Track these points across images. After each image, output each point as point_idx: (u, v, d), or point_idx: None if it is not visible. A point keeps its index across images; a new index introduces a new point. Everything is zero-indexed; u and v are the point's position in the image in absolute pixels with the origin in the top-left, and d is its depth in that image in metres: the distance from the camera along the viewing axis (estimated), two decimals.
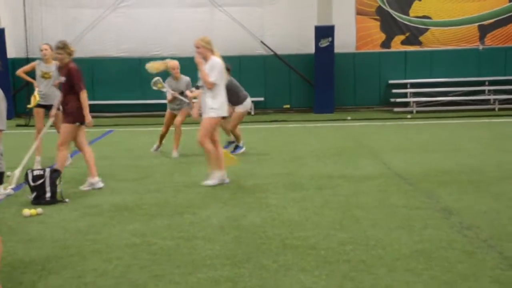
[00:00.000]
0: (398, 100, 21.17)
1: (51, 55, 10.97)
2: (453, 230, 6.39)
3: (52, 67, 11.12)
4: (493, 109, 20.74)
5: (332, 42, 20.86)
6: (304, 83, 21.72)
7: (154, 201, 8.19)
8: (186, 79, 12.46)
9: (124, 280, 5.16)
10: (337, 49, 21.06)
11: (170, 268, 5.43)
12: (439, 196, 8.02)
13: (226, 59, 19.02)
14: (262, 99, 21.34)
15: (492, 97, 21.07)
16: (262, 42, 21.50)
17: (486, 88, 21.31)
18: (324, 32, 20.91)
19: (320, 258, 5.61)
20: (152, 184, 9.42)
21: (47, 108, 10.95)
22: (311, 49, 21.26)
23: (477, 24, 21.84)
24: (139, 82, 20.90)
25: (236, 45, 21.31)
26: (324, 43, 20.97)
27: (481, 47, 21.77)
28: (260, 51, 21.66)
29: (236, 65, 21.60)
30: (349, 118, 19.28)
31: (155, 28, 21.92)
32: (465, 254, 5.60)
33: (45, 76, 11.16)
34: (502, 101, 20.95)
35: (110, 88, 21.61)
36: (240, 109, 12.26)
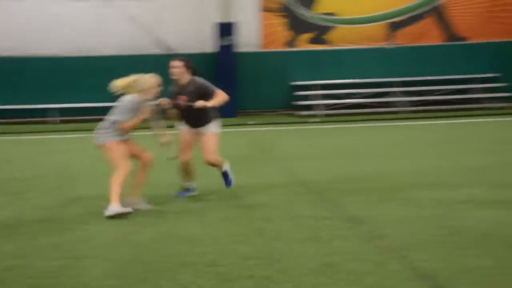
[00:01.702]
0: (304, 102, 21.48)
1: None
2: (362, 241, 6.55)
3: None
4: (403, 112, 21.33)
5: (234, 40, 21.00)
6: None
7: (38, 217, 7.99)
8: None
9: None
10: (240, 48, 21.20)
11: None
12: (346, 205, 8.18)
13: (116, 58, 18.83)
14: (158, 102, 21.19)
15: (401, 98, 21.69)
16: (157, 39, 21.36)
17: (395, 89, 21.94)
18: (226, 30, 21.03)
19: (220, 275, 5.63)
20: (36, 198, 9.20)
21: None
22: (211, 48, 21.32)
23: (386, 21, 22.44)
24: (20, 85, 20.34)
25: (127, 43, 21.14)
26: (225, 41, 21.08)
27: (389, 45, 22.41)
28: (155, 49, 21.53)
29: (127, 65, 21.37)
30: (251, 122, 19.43)
31: (37, 23, 21.38)
32: (375, 265, 5.73)
33: None
34: (412, 103, 21.61)
35: None
36: (215, 129, 9.23)
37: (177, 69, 9.28)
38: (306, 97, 21.72)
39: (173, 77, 9.32)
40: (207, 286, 5.38)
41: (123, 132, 8.39)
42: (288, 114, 21.49)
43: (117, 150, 8.21)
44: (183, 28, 21.63)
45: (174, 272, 5.76)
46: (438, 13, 22.52)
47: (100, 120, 8.57)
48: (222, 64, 20.95)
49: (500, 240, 6.40)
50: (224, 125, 18.81)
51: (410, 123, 18.59)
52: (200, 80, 9.20)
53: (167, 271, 5.82)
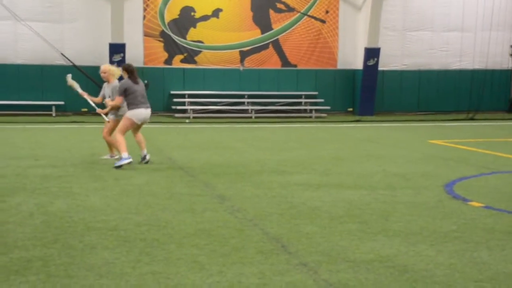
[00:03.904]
0: (179, 107, 21.34)
1: None
2: (226, 212, 6.59)
3: None
4: (251, 117, 21.68)
5: (123, 57, 20.48)
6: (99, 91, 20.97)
7: None
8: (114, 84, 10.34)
9: None
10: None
11: None
12: (214, 185, 8.20)
13: (29, 67, 17.76)
14: (62, 102, 20.39)
15: (250, 107, 22.05)
16: (62, 54, 20.36)
17: (245, 100, 22.28)
18: (117, 48, 20.48)
19: (120, 237, 5.49)
20: None
21: None
22: (105, 62, 20.60)
23: (238, 49, 22.73)
24: None
25: (38, 55, 20.17)
26: (116, 57, 20.51)
27: (241, 68, 22.69)
28: (60, 61, 20.51)
29: (38, 73, 20.37)
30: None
31: None
32: (236, 231, 5.80)
33: None
34: (257, 111, 22.03)
35: None
36: (126, 114, 9.76)
37: None
38: (180, 103, 21.54)
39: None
40: (110, 246, 5.22)
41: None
42: (167, 116, 21.19)
43: None
44: (83, 45, 20.81)
45: (81, 235, 5.55)
46: (276, 45, 23.04)
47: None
48: None
49: (324, 213, 6.64)
50: None
51: (256, 126, 18.89)
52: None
53: (75, 234, 5.59)
